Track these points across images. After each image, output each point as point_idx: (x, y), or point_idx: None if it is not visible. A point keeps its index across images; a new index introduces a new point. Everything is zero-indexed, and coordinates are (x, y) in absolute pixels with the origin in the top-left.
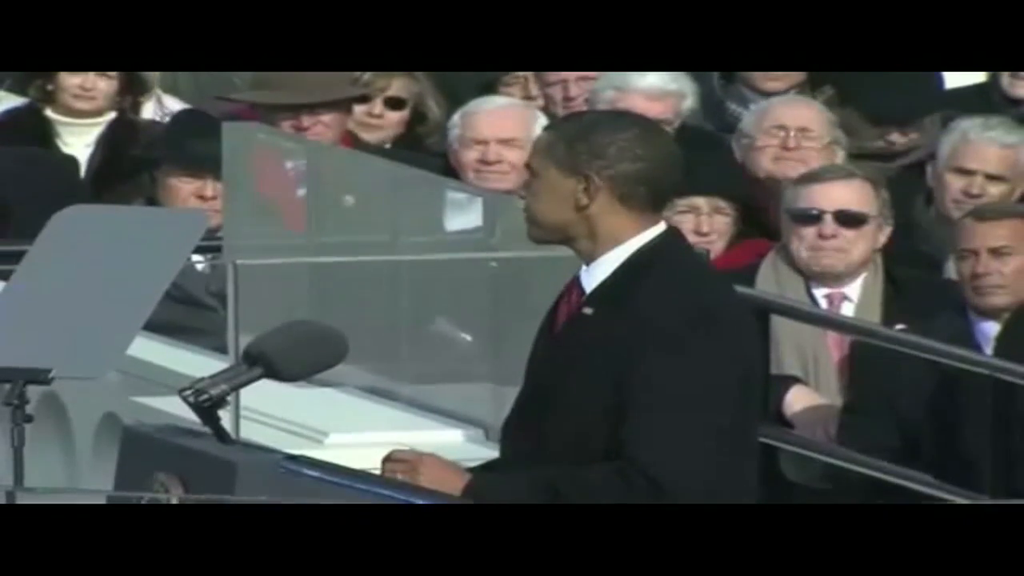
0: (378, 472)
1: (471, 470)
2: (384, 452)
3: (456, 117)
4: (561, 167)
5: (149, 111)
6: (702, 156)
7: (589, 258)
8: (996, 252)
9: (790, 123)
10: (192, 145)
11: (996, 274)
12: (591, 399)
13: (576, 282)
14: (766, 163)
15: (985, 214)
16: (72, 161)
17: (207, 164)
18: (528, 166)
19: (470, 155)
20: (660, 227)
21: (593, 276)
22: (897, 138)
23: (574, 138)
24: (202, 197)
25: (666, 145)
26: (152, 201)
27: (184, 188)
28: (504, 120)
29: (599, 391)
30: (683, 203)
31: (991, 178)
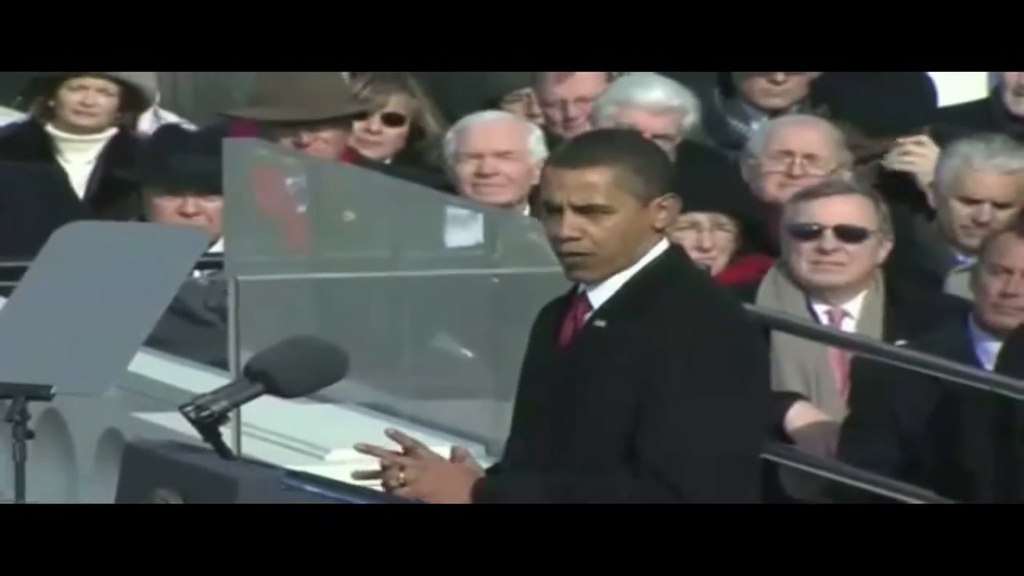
0: (381, 488)
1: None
2: None
3: (451, 133)
4: (640, 198)
5: (146, 123)
6: (704, 172)
7: (603, 277)
8: None
9: (796, 148)
10: (171, 163)
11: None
12: (616, 407)
13: (581, 297)
14: (771, 188)
15: None
16: (62, 173)
17: (185, 181)
18: (592, 207)
19: (466, 169)
20: (665, 243)
21: (602, 291)
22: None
23: (643, 166)
24: (184, 214)
25: None
26: (143, 220)
27: (167, 207)
28: (498, 133)
29: (624, 399)
30: (684, 219)
31: (999, 205)
